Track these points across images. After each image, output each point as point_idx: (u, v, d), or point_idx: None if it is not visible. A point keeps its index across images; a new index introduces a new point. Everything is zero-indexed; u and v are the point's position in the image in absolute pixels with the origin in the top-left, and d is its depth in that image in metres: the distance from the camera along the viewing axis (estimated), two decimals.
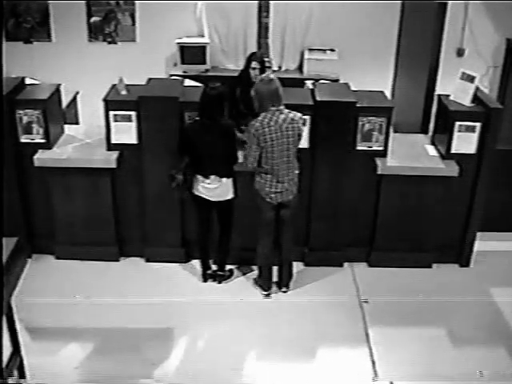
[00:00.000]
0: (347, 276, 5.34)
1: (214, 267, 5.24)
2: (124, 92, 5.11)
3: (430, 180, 5.09)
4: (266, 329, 4.71)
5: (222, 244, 5.12)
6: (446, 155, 5.12)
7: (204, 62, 7.42)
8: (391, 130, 5.15)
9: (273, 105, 4.50)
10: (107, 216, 5.25)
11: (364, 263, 5.47)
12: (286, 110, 4.55)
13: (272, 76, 4.59)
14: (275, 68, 7.71)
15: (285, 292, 5.06)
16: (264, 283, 5.04)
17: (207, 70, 7.47)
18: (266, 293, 5.02)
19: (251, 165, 4.58)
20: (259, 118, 4.49)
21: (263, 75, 4.62)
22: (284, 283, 5.07)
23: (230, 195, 4.86)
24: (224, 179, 4.76)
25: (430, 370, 4.35)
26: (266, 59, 7.62)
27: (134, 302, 4.87)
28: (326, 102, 4.99)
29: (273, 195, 4.67)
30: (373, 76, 7.43)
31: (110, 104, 4.99)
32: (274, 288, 5.08)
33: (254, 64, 5.74)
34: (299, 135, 4.63)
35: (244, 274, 5.32)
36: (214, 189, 4.79)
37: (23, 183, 5.22)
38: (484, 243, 5.56)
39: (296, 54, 7.71)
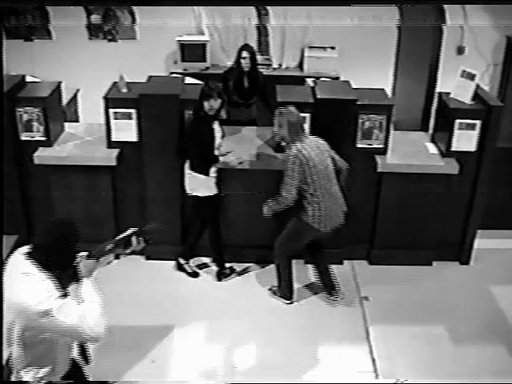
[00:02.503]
0: (347, 274, 5.34)
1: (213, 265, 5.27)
2: (124, 90, 5.11)
3: (430, 178, 5.09)
4: (267, 327, 4.72)
5: (216, 241, 5.12)
6: (446, 153, 5.12)
7: (204, 60, 7.42)
8: (391, 127, 5.15)
9: (301, 133, 4.46)
10: (107, 214, 5.25)
11: (364, 261, 5.48)
12: (311, 136, 4.54)
13: (291, 108, 4.52)
14: (275, 66, 7.70)
15: (342, 299, 4.96)
16: (287, 293, 4.93)
17: (207, 68, 7.47)
18: (289, 301, 4.95)
19: (292, 197, 4.41)
20: (296, 148, 4.36)
21: (282, 108, 4.52)
22: (336, 288, 4.97)
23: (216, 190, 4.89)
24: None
25: (430, 367, 4.36)
26: (266, 56, 7.66)
27: (134, 299, 4.88)
28: (326, 100, 4.99)
29: (322, 223, 4.51)
30: (373, 74, 7.41)
31: (111, 102, 5.00)
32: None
33: (244, 54, 5.77)
34: (333, 158, 4.60)
35: (244, 271, 5.33)
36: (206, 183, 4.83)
37: (23, 181, 5.22)
38: (484, 241, 5.56)
39: (296, 51, 7.70)
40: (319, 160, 4.41)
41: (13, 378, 2.95)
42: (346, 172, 4.68)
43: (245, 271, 5.33)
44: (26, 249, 2.85)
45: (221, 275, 5.21)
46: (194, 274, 5.25)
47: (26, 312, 2.67)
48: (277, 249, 4.81)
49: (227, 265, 5.25)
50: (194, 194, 4.87)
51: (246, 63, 5.79)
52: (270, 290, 5.06)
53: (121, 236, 3.03)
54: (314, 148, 4.42)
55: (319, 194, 4.42)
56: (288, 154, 4.40)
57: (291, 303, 4.94)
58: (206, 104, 4.61)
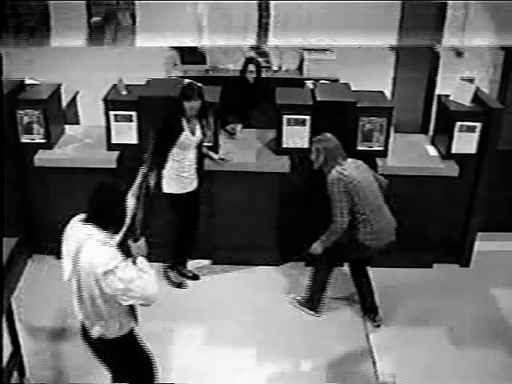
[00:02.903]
0: (347, 275, 5.33)
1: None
2: (124, 92, 5.11)
3: (431, 180, 5.09)
4: (266, 329, 4.71)
5: (193, 239, 5.07)
6: (447, 155, 5.13)
7: (204, 63, 7.42)
8: (391, 130, 5.15)
9: (339, 157, 4.44)
10: None
11: None
12: (349, 159, 4.50)
13: (328, 134, 4.53)
14: (275, 68, 7.71)
15: (379, 326, 4.78)
16: (317, 306, 4.82)
17: (207, 71, 7.47)
18: (318, 315, 4.83)
19: (347, 220, 4.38)
20: (336, 170, 4.36)
21: (319, 136, 4.54)
22: (378, 312, 4.85)
23: None
24: None
25: (431, 369, 4.35)
26: (265, 59, 7.66)
27: None
28: (326, 102, 4.99)
29: (374, 241, 4.46)
30: (373, 76, 7.42)
31: (110, 104, 5.00)
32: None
33: (250, 67, 5.79)
34: (373, 176, 4.60)
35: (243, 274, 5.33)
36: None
37: (23, 183, 5.22)
38: (484, 243, 5.56)
39: (296, 54, 7.70)
40: (362, 178, 4.40)
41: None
42: (386, 188, 4.65)
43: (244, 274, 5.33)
44: (81, 216, 3.14)
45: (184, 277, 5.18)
46: (178, 285, 5.15)
47: (94, 271, 2.95)
48: (320, 258, 4.66)
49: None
50: (185, 191, 4.82)
51: (252, 76, 5.82)
52: (295, 299, 4.89)
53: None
54: (353, 168, 4.42)
55: (368, 212, 4.38)
56: (331, 179, 4.38)
57: (319, 316, 4.81)
58: (186, 104, 4.57)
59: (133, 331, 3.38)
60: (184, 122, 4.65)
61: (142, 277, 3.02)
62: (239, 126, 5.57)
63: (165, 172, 4.69)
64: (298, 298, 4.92)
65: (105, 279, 2.95)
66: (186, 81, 4.90)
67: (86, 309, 3.19)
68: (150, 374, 3.55)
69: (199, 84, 4.76)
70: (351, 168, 4.39)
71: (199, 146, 4.83)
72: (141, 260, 3.14)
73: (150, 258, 3.21)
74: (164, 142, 4.58)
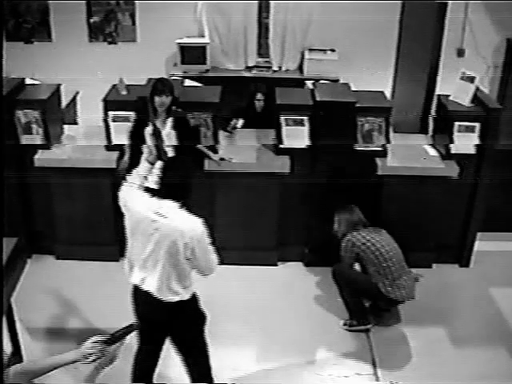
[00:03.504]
0: None
1: None
2: (124, 92, 5.11)
3: (430, 180, 5.09)
4: (266, 329, 4.71)
5: None
6: (446, 155, 5.13)
7: (204, 63, 7.41)
8: (391, 130, 5.15)
9: (363, 226, 4.65)
10: (107, 216, 5.24)
11: None
12: (370, 228, 4.67)
13: (353, 206, 4.72)
14: (275, 68, 7.71)
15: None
16: (363, 319, 4.72)
17: (207, 71, 7.47)
18: (370, 325, 4.74)
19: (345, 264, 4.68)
20: (355, 236, 4.56)
21: (342, 207, 4.74)
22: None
23: None
24: None
25: (430, 369, 4.35)
26: (266, 59, 7.65)
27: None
28: (325, 102, 5.00)
29: (398, 293, 4.57)
30: (373, 76, 7.42)
31: (110, 104, 5.00)
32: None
33: (259, 96, 5.79)
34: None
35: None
36: None
37: (23, 184, 5.22)
38: (484, 243, 5.56)
39: (296, 54, 7.70)
40: (379, 239, 4.58)
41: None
42: None
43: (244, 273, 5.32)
44: (146, 195, 3.43)
45: None
46: None
47: (191, 235, 3.31)
48: (342, 280, 4.70)
49: None
50: None
51: (259, 105, 5.82)
52: (345, 324, 4.77)
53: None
54: (369, 232, 4.61)
55: (389, 266, 4.53)
56: (343, 244, 4.62)
57: (371, 325, 4.74)
58: (157, 99, 4.56)
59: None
60: (152, 118, 4.64)
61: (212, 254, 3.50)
62: (240, 121, 5.56)
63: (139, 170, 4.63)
64: (348, 321, 4.77)
65: (199, 241, 3.34)
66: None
67: (165, 277, 3.38)
68: None
69: (171, 80, 4.74)
70: (366, 232, 4.59)
71: (176, 147, 4.71)
72: None
73: None
74: (135, 137, 4.64)
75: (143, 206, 3.36)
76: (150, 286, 3.46)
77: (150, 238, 3.32)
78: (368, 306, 4.81)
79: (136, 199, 3.42)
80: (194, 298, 3.61)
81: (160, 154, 3.73)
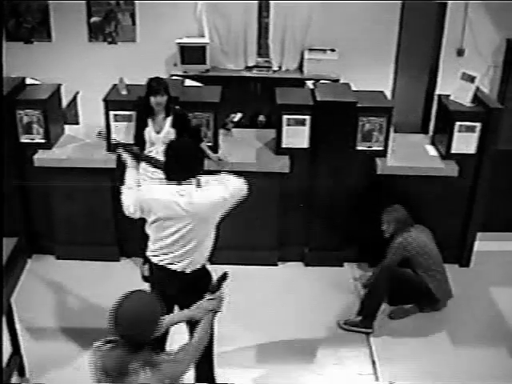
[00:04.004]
0: (347, 276, 5.34)
1: None
2: (124, 92, 5.11)
3: (430, 180, 5.09)
4: (266, 328, 4.71)
5: None
6: (446, 155, 5.12)
7: (204, 62, 7.42)
8: (391, 129, 5.15)
9: (408, 226, 4.77)
10: (107, 216, 5.24)
11: (364, 263, 5.47)
12: (415, 225, 4.81)
13: (397, 206, 4.85)
14: (275, 68, 7.71)
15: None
16: (370, 324, 4.69)
17: (207, 70, 7.47)
18: (371, 331, 4.70)
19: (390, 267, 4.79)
20: (407, 239, 4.70)
21: (389, 207, 4.85)
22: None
23: None
24: None
25: (430, 369, 4.35)
26: (266, 59, 7.66)
27: None
28: (326, 102, 4.99)
29: (441, 295, 4.82)
30: (373, 76, 7.42)
31: (110, 104, 5.00)
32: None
33: (260, 117, 5.82)
34: None
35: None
36: None
37: (23, 183, 5.21)
38: (484, 243, 5.55)
39: (296, 54, 7.70)
40: (427, 240, 4.78)
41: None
42: None
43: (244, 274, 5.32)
44: (160, 186, 3.52)
45: None
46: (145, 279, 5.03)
47: (219, 203, 3.45)
48: (383, 277, 4.71)
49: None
50: None
51: (261, 125, 5.82)
52: (346, 324, 4.73)
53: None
54: (419, 232, 4.77)
55: (436, 268, 4.74)
56: (397, 242, 4.74)
57: (371, 331, 4.71)
58: (152, 99, 4.56)
59: None
60: (149, 119, 4.65)
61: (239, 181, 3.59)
62: (238, 115, 5.55)
63: (140, 170, 4.61)
64: (351, 320, 4.74)
65: (223, 204, 3.46)
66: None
67: (187, 252, 3.48)
68: None
69: (166, 79, 4.73)
70: (415, 233, 4.74)
71: None
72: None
73: None
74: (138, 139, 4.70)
75: (165, 192, 3.41)
76: (179, 265, 3.53)
77: (180, 220, 3.38)
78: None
79: (155, 190, 3.49)
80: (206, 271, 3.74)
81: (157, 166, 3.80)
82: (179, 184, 3.39)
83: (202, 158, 3.62)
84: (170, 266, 3.54)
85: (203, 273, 3.68)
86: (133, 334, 2.58)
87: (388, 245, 4.83)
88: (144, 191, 3.55)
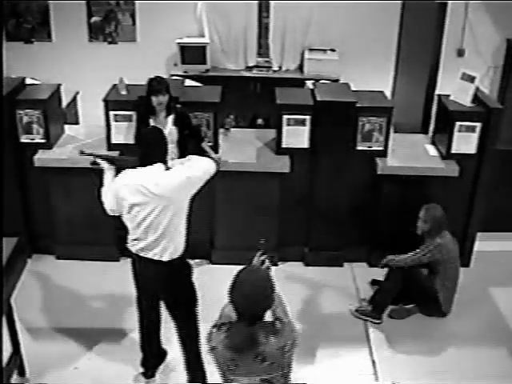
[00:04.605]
0: (347, 276, 5.34)
1: None
2: (124, 92, 5.11)
3: (430, 180, 5.09)
4: None
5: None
6: (446, 155, 5.12)
7: (204, 62, 7.42)
8: (391, 129, 5.15)
9: (443, 228, 4.71)
10: (107, 216, 5.23)
11: (364, 263, 5.47)
12: (445, 231, 4.75)
13: (436, 205, 4.78)
14: (275, 68, 7.71)
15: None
16: (380, 314, 4.78)
17: (207, 70, 7.48)
18: (380, 321, 4.78)
19: (409, 265, 4.76)
20: (437, 242, 4.64)
21: (428, 205, 4.79)
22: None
23: None
24: None
25: (430, 369, 4.35)
26: (266, 59, 7.66)
27: (134, 301, 4.86)
28: (326, 102, 4.99)
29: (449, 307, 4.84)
30: (373, 76, 7.43)
31: (111, 104, 5.00)
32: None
33: (259, 121, 5.85)
34: None
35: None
36: None
37: (23, 183, 5.22)
38: (484, 243, 5.56)
39: (296, 54, 7.70)
40: (453, 247, 4.74)
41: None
42: None
43: None
44: (129, 171, 3.61)
45: None
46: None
47: (182, 184, 3.53)
48: (398, 277, 4.74)
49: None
50: None
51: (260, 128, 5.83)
52: (357, 311, 4.80)
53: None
54: (450, 240, 4.72)
55: (454, 279, 4.75)
56: (433, 244, 4.66)
57: (381, 322, 4.77)
58: (154, 99, 4.57)
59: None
60: (151, 119, 4.66)
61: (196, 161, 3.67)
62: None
63: None
64: (363, 309, 4.82)
65: (188, 183, 3.54)
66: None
67: (160, 237, 3.56)
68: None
69: (167, 79, 4.73)
70: (449, 241, 4.69)
71: (179, 143, 4.77)
72: (178, 161, 3.82)
73: None
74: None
75: (133, 177, 3.56)
76: (154, 252, 3.63)
77: (148, 204, 3.50)
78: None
79: (126, 176, 3.62)
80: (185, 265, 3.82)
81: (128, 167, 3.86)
82: (148, 168, 3.53)
83: (166, 143, 3.67)
84: (145, 254, 3.64)
85: (182, 265, 3.75)
86: (255, 308, 2.74)
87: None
88: (117, 180, 3.68)
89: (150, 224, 3.54)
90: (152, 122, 4.65)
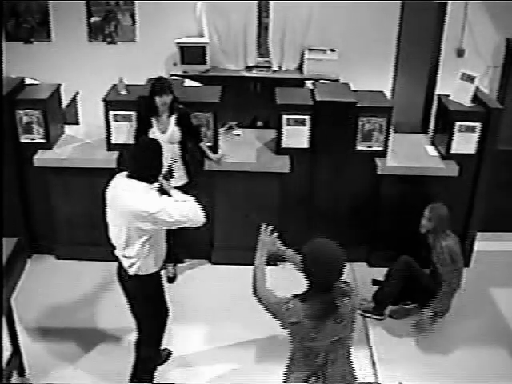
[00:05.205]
0: (347, 276, 5.32)
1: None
2: (124, 92, 5.11)
3: (430, 180, 5.10)
4: (266, 329, 4.71)
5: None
6: (446, 155, 5.13)
7: (204, 62, 7.42)
8: (391, 130, 5.15)
9: (446, 229, 4.65)
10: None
11: (364, 263, 5.47)
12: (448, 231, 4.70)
13: (441, 204, 4.71)
14: (275, 68, 7.71)
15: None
16: (383, 310, 4.84)
17: (207, 70, 7.47)
18: (382, 318, 4.84)
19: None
20: (446, 243, 4.58)
21: (434, 204, 4.71)
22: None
23: None
24: None
25: (430, 369, 4.35)
26: (266, 59, 7.66)
27: None
28: (326, 102, 4.99)
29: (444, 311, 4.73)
30: (373, 76, 7.43)
31: (110, 104, 5.00)
32: None
33: (259, 124, 5.83)
34: None
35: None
36: None
37: (23, 183, 5.22)
38: (484, 243, 5.57)
39: (296, 54, 7.70)
40: (459, 253, 4.66)
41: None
42: None
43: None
44: (123, 173, 3.55)
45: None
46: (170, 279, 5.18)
47: (142, 214, 3.37)
48: (400, 273, 4.76)
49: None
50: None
51: None
52: (359, 309, 4.78)
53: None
54: (457, 241, 4.68)
55: (458, 285, 4.67)
56: (442, 246, 4.59)
57: (383, 318, 4.83)
58: (158, 99, 4.56)
59: (159, 273, 3.79)
60: (153, 120, 4.66)
61: (184, 207, 3.48)
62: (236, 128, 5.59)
63: None
64: (363, 306, 4.86)
65: (154, 219, 3.37)
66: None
67: (125, 250, 3.58)
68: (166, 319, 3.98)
69: (169, 79, 4.74)
70: (452, 241, 4.63)
71: (181, 143, 4.77)
72: (175, 192, 3.66)
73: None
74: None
75: (113, 186, 3.60)
76: (123, 260, 3.67)
77: (116, 213, 3.55)
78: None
79: (111, 185, 3.65)
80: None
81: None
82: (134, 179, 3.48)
83: (160, 158, 3.54)
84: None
85: (135, 284, 3.70)
86: (336, 275, 2.91)
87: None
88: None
89: (112, 229, 3.70)
90: (154, 122, 4.65)
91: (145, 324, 3.90)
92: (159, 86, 4.58)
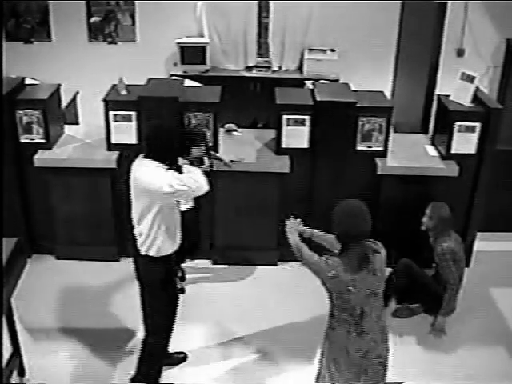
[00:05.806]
0: None
1: None
2: (124, 92, 5.11)
3: (430, 180, 5.10)
4: (266, 329, 4.71)
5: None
6: (446, 155, 5.13)
7: (204, 62, 7.42)
8: (391, 130, 5.15)
9: (448, 228, 4.66)
10: (107, 216, 5.25)
11: None
12: (451, 231, 4.71)
13: (443, 204, 4.72)
14: (275, 68, 7.71)
15: None
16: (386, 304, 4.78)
17: (207, 70, 7.47)
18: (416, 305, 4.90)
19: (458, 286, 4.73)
20: (447, 245, 4.58)
21: (436, 202, 4.74)
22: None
23: None
24: None
25: (430, 369, 4.36)
26: (266, 59, 7.66)
27: (134, 301, 4.86)
28: (326, 102, 4.99)
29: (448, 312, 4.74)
30: (373, 76, 7.43)
31: (110, 104, 5.00)
32: None
33: (259, 125, 5.79)
34: None
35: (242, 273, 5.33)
36: None
37: (23, 183, 5.22)
38: (484, 243, 5.57)
39: (296, 54, 7.70)
40: (460, 249, 4.68)
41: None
42: None
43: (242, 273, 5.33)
44: (142, 155, 3.68)
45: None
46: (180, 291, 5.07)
47: (150, 188, 3.51)
48: (404, 270, 4.79)
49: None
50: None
51: None
52: (408, 309, 4.89)
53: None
54: (457, 241, 4.68)
55: (460, 284, 4.68)
56: (443, 248, 4.58)
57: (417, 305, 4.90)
58: (194, 150, 4.39)
59: (171, 258, 3.83)
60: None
61: (190, 175, 3.59)
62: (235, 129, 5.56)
63: None
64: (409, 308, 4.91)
65: (160, 188, 3.47)
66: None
67: (138, 227, 3.70)
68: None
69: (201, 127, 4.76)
70: (455, 241, 4.64)
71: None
72: (186, 167, 3.73)
73: None
74: None
75: (133, 166, 3.70)
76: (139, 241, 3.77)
77: (132, 190, 3.68)
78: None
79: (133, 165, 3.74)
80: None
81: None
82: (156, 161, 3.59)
83: (171, 140, 3.64)
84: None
85: (146, 264, 3.80)
86: (366, 228, 3.19)
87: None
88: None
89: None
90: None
91: (152, 311, 3.93)
92: (195, 135, 4.45)
